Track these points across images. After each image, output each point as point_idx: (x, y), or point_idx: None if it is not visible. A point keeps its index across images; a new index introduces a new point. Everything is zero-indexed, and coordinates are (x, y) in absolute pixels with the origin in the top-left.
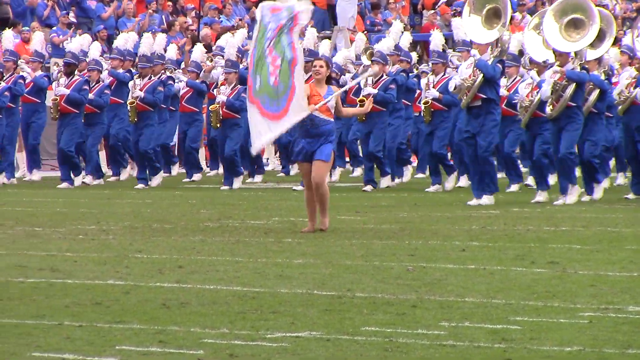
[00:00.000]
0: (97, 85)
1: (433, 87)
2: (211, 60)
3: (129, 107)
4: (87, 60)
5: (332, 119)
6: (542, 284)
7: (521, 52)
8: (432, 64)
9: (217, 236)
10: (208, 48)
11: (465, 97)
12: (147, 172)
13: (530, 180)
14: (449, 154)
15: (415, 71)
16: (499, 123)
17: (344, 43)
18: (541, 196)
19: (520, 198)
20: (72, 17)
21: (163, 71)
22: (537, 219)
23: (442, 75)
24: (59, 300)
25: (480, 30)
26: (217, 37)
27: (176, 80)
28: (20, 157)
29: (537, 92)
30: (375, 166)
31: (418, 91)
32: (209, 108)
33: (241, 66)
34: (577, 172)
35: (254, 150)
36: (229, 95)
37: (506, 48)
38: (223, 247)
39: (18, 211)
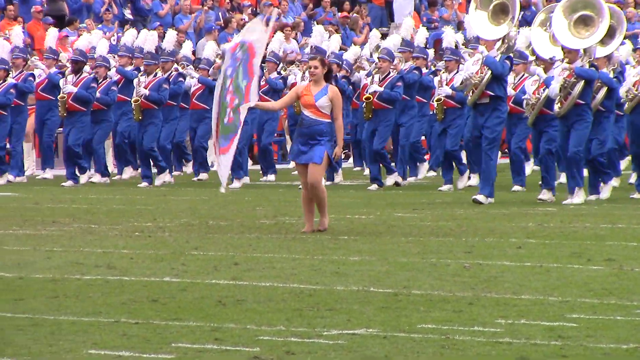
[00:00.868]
0: (104, 82)
1: (446, 85)
2: (221, 58)
3: (133, 105)
4: (95, 56)
5: (327, 120)
6: (598, 281)
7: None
8: (446, 61)
9: (273, 233)
10: None
11: (471, 94)
12: (155, 169)
13: (562, 178)
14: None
15: (432, 68)
16: (504, 120)
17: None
18: (545, 195)
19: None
20: (128, 14)
21: (175, 68)
22: (594, 216)
23: (456, 72)
24: (115, 298)
25: (487, 26)
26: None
27: (187, 77)
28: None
29: (544, 90)
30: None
31: (434, 89)
32: None
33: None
34: (585, 171)
35: (222, 190)
36: None
37: (513, 44)
38: (279, 244)
39: (74, 208)
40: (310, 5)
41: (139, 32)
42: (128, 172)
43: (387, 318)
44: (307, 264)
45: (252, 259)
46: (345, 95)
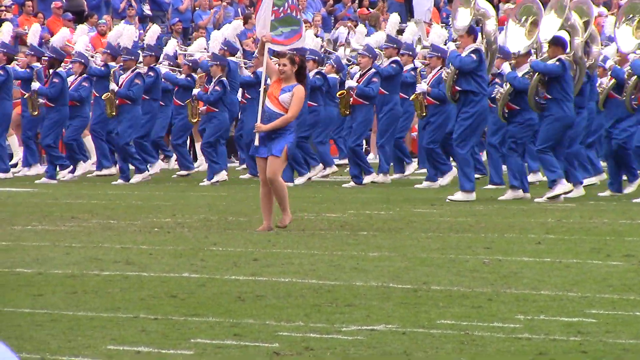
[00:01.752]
0: (78, 78)
1: (428, 81)
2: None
3: (105, 101)
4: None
5: (284, 113)
6: (617, 276)
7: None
8: (428, 57)
9: (292, 229)
10: None
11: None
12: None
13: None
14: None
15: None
16: (474, 115)
17: (421, 36)
18: (508, 194)
19: (594, 191)
20: (147, 10)
21: (153, 64)
22: (613, 212)
23: (439, 69)
24: (134, 293)
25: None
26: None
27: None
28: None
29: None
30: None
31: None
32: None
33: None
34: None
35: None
36: (206, 89)
37: (492, 39)
38: (298, 240)
39: (93, 204)
40: (331, 1)
41: (161, 29)
42: (82, 169)
43: (406, 314)
44: (326, 259)
45: (271, 254)
46: (322, 90)
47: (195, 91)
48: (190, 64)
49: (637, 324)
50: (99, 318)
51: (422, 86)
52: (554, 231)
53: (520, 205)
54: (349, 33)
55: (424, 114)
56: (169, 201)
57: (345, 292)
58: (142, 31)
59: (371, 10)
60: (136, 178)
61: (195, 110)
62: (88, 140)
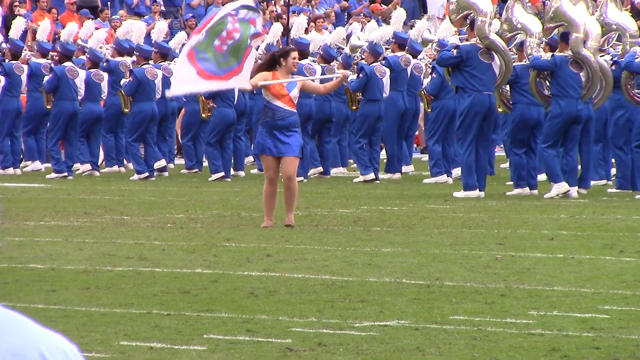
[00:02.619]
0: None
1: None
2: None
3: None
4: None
5: (295, 110)
6: (630, 272)
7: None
8: (435, 51)
9: (305, 225)
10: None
11: None
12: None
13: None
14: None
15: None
16: (464, 111)
17: (434, 31)
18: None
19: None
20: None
21: (160, 61)
22: (626, 208)
23: None
24: (147, 289)
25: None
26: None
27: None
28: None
29: None
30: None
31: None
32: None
33: None
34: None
35: (168, 94)
36: None
37: (484, 35)
38: (311, 235)
39: (106, 200)
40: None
41: (171, 24)
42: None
43: (419, 310)
44: (339, 255)
45: (284, 250)
46: None
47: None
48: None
49: None
50: (112, 314)
51: (425, 81)
52: (567, 227)
53: (533, 202)
54: (362, 29)
55: (429, 109)
56: (182, 197)
57: (358, 287)
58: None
59: (384, 6)
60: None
61: (205, 106)
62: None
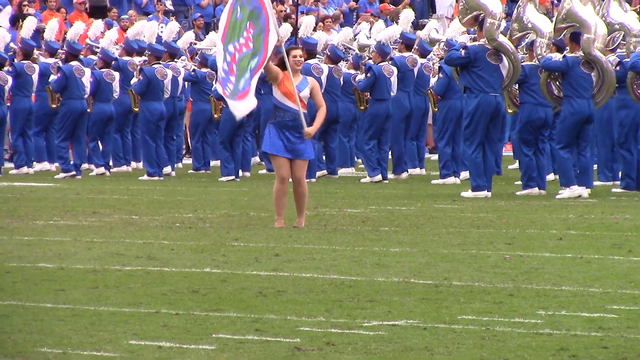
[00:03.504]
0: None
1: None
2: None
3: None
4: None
5: (306, 111)
6: (639, 272)
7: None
8: (444, 51)
9: (314, 224)
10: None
11: None
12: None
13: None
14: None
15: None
16: (471, 111)
17: (442, 31)
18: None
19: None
20: (169, 5)
21: (168, 61)
22: (635, 208)
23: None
24: (155, 288)
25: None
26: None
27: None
28: None
29: None
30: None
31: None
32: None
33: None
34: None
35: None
36: None
37: (491, 35)
38: (320, 235)
39: (115, 199)
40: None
41: (180, 24)
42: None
43: (427, 309)
44: (347, 255)
45: (292, 250)
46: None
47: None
48: (200, 60)
49: None
50: (120, 313)
51: (433, 80)
52: (576, 227)
53: (541, 201)
54: (370, 28)
55: (436, 109)
56: (191, 196)
57: (367, 287)
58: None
59: (393, 6)
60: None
61: (217, 107)
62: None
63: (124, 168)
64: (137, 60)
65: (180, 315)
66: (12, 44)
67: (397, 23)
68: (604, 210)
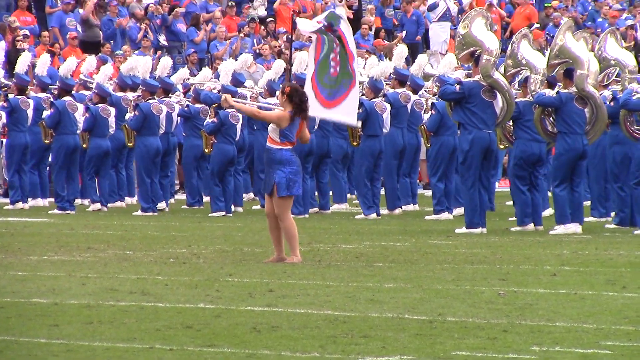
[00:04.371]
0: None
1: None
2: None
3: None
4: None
5: (283, 147)
6: (633, 308)
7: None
8: (436, 86)
9: (308, 260)
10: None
11: None
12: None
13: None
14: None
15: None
16: (465, 148)
17: (436, 67)
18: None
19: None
20: (163, 41)
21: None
22: (629, 244)
23: None
24: (149, 324)
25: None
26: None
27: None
28: None
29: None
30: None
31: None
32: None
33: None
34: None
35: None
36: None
37: (487, 72)
38: (314, 271)
39: (109, 234)
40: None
41: (173, 59)
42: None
43: (421, 345)
44: (341, 290)
45: (286, 285)
46: None
47: (206, 122)
48: (194, 95)
49: None
50: (114, 348)
51: (425, 116)
52: (570, 263)
53: (535, 237)
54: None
55: (428, 145)
56: (185, 232)
57: (361, 323)
58: (155, 61)
59: (387, 42)
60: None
61: (208, 141)
62: None
63: (118, 204)
64: (131, 95)
65: (174, 351)
66: (2, 79)
67: (390, 59)
68: (598, 246)
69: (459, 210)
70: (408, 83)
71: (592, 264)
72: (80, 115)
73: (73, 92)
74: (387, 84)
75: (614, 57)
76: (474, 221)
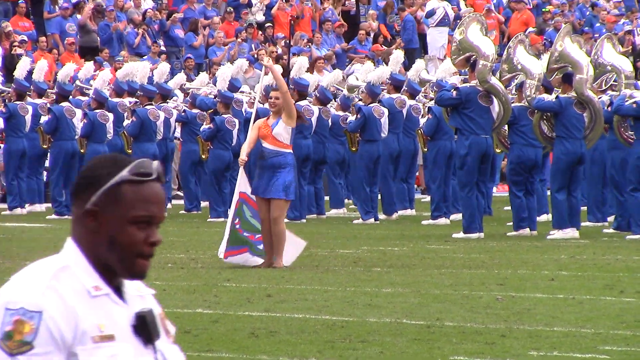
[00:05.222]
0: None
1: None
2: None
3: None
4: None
5: (286, 149)
6: (631, 313)
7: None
8: (433, 92)
9: (306, 265)
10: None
11: None
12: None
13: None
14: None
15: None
16: (463, 154)
17: (434, 72)
18: None
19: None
20: (161, 46)
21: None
22: (626, 249)
23: None
24: None
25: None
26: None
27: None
28: None
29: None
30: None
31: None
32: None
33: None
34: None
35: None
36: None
37: (483, 77)
38: (312, 276)
39: None
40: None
41: (171, 65)
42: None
43: (419, 350)
44: (339, 295)
45: (284, 290)
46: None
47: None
48: (191, 100)
49: None
50: None
51: (423, 121)
52: (567, 268)
53: (533, 242)
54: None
55: (425, 149)
56: (183, 237)
57: (359, 328)
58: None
59: (385, 47)
60: None
61: (205, 147)
62: None
63: None
64: (128, 101)
65: None
66: (0, 85)
67: (387, 64)
68: (595, 251)
69: (457, 215)
70: (405, 88)
71: (589, 269)
72: (78, 121)
73: (70, 97)
74: (383, 89)
75: (610, 62)
76: (472, 226)
